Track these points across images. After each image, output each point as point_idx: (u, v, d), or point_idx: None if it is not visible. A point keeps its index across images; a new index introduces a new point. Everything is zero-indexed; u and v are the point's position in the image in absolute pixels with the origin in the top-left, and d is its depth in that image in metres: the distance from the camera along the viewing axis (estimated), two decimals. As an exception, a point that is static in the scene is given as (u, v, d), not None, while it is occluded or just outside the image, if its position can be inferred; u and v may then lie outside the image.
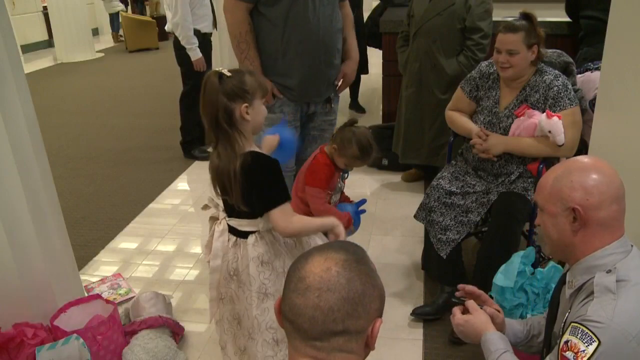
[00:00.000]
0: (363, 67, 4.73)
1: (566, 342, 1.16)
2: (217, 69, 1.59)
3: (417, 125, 3.40)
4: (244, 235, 1.68)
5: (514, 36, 2.17)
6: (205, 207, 1.85)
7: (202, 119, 1.61)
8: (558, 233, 1.28)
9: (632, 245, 1.25)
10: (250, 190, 1.58)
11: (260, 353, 1.71)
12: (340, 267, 0.88)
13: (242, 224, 1.67)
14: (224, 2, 2.25)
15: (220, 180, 1.62)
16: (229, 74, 1.57)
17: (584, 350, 1.12)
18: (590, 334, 1.12)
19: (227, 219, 1.72)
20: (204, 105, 1.58)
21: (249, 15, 2.20)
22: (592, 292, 1.19)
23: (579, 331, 1.14)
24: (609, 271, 1.19)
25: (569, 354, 1.14)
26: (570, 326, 1.17)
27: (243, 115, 1.58)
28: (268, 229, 1.67)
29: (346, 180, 2.33)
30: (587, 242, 1.24)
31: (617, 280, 1.17)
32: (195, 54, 4.05)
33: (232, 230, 1.71)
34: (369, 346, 0.93)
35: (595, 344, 1.11)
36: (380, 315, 0.93)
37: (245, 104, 1.57)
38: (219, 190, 1.66)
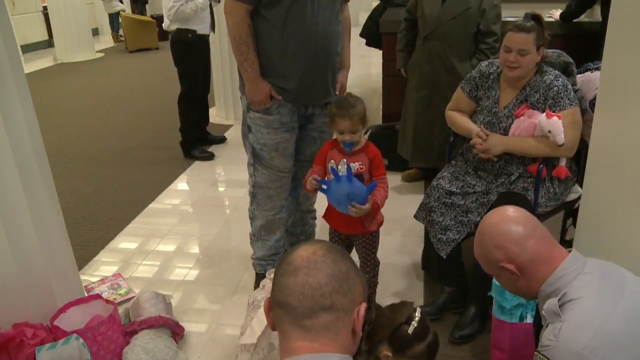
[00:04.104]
0: None
1: None
2: None
3: (427, 129, 3.37)
4: None
5: (527, 36, 2.16)
6: None
7: None
8: (510, 286, 1.39)
9: (586, 261, 1.30)
10: None
11: None
12: (325, 251, 0.97)
13: None
14: (224, 4, 2.25)
15: None
16: None
17: None
18: (544, 358, 1.18)
19: None
20: None
21: (249, 17, 2.21)
22: (546, 319, 1.26)
23: (537, 359, 1.20)
24: (557, 296, 1.25)
25: None
26: (534, 356, 1.23)
27: None
28: None
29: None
30: (536, 278, 1.31)
31: (561, 304, 1.22)
32: None
33: None
34: (355, 333, 0.97)
35: None
36: (365, 301, 0.99)
37: None
38: None
